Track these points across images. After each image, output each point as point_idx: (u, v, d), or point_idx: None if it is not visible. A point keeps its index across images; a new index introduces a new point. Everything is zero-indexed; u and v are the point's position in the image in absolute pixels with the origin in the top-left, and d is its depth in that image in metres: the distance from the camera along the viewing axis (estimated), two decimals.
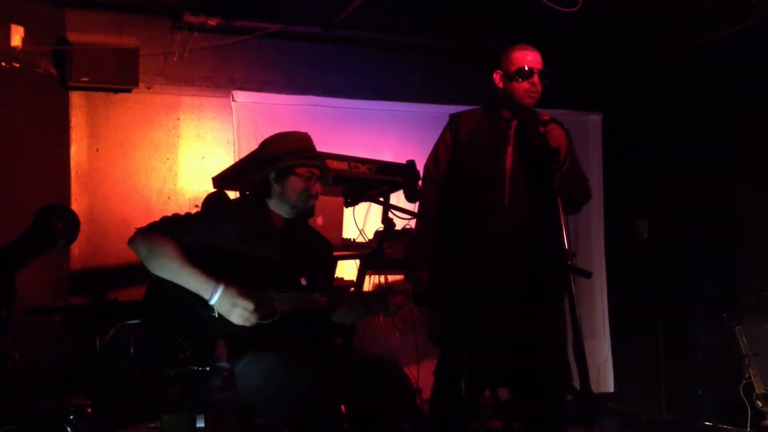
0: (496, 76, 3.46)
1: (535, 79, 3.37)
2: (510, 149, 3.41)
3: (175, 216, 2.91)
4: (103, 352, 3.59)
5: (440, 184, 3.53)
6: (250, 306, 2.74)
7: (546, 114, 3.29)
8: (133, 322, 3.50)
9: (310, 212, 3.11)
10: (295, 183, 3.01)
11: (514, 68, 3.38)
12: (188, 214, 2.96)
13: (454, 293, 3.25)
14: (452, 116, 3.61)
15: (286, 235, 3.04)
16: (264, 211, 3.04)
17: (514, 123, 3.44)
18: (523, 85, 3.38)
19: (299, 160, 3.01)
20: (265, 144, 3.11)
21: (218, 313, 2.75)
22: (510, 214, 3.35)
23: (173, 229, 2.83)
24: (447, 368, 3.41)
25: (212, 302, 2.73)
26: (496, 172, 3.39)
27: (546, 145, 3.19)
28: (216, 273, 2.76)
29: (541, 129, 3.23)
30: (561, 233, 2.98)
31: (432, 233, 3.48)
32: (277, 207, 3.06)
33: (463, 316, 3.22)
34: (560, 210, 3.06)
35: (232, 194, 3.39)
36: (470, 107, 3.66)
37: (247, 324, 2.74)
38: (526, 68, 3.36)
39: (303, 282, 2.98)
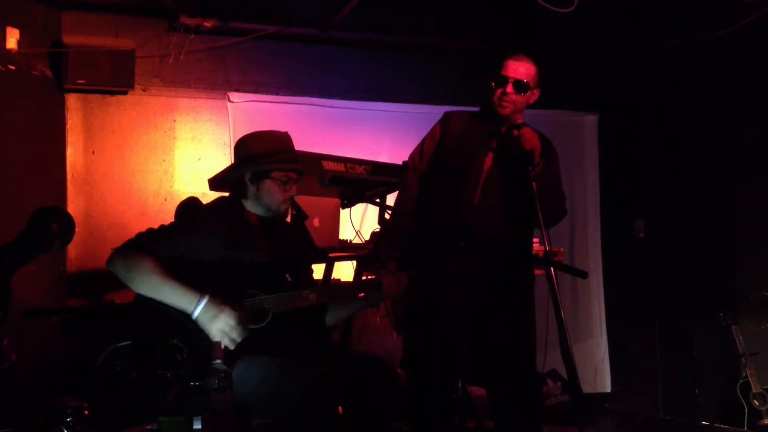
0: (490, 82, 3.48)
1: (509, 88, 3.37)
2: (491, 152, 3.44)
3: (150, 231, 2.87)
4: (98, 363, 3.59)
5: (421, 175, 3.56)
6: (232, 320, 2.70)
7: (519, 118, 3.37)
8: (123, 344, 3.48)
9: (284, 216, 3.06)
10: (270, 187, 2.95)
11: (496, 74, 3.42)
12: (162, 227, 2.90)
13: (423, 286, 3.26)
14: (446, 113, 3.64)
15: (265, 234, 3.00)
16: (240, 212, 2.99)
17: (503, 128, 3.46)
18: (496, 92, 3.41)
19: (276, 163, 2.95)
20: (242, 143, 3.05)
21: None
22: (478, 214, 3.37)
23: (149, 244, 2.79)
24: (416, 362, 3.43)
25: (195, 315, 2.69)
26: (474, 171, 3.42)
27: (520, 147, 3.23)
28: (199, 281, 2.73)
29: (515, 132, 3.28)
30: (531, 235, 3.03)
31: (407, 222, 3.51)
32: (253, 207, 3.01)
33: (429, 310, 3.26)
34: (539, 212, 3.09)
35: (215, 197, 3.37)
36: (467, 108, 3.68)
37: (226, 341, 2.68)
38: (501, 74, 3.39)
39: (288, 279, 2.96)
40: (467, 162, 3.44)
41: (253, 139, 3.04)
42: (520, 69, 3.40)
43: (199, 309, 2.68)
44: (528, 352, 3.41)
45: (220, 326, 2.69)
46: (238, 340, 2.72)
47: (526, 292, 3.42)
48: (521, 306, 3.42)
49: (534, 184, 3.19)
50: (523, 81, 3.38)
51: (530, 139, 3.25)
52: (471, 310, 3.30)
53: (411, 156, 3.65)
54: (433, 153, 3.56)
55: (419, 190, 3.55)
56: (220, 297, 2.72)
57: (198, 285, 2.73)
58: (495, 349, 3.35)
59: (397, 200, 3.64)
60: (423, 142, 3.63)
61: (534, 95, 3.46)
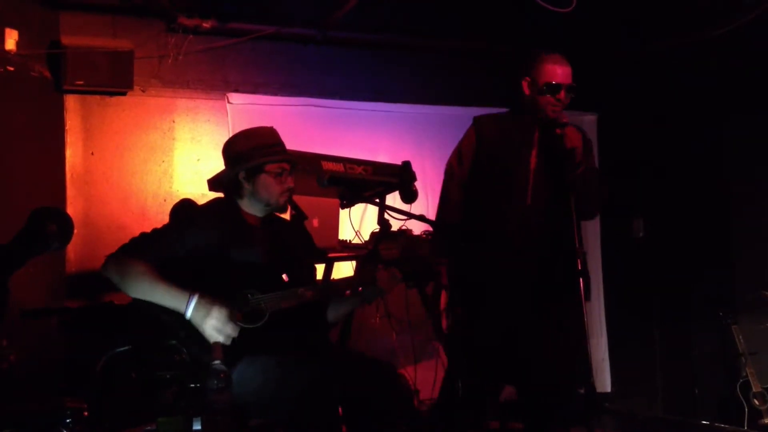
0: (524, 83, 3.50)
1: (562, 94, 3.42)
2: (534, 151, 3.49)
3: (143, 235, 2.87)
4: (98, 368, 3.58)
5: (463, 181, 3.59)
6: (223, 316, 2.69)
7: (564, 117, 3.40)
8: (122, 349, 3.48)
9: (284, 208, 3.06)
10: (265, 181, 2.96)
11: (542, 81, 3.43)
12: (155, 230, 2.90)
13: (475, 287, 3.31)
14: (476, 118, 3.67)
15: (262, 234, 3.00)
16: (236, 212, 3.00)
17: (537, 127, 3.51)
18: (548, 99, 3.43)
19: (268, 156, 2.96)
20: (230, 143, 3.06)
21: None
22: (531, 213, 3.43)
23: (142, 248, 2.79)
24: (465, 363, 3.45)
25: (188, 315, 2.68)
26: (521, 172, 3.46)
27: (562, 146, 3.28)
28: (194, 282, 2.73)
29: (558, 131, 3.32)
30: (574, 233, 3.06)
31: (454, 228, 3.54)
32: (250, 206, 3.01)
33: (482, 311, 3.30)
34: (573, 210, 3.13)
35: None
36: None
37: (221, 338, 2.68)
38: (554, 83, 3.41)
39: (284, 278, 2.96)
40: (512, 164, 3.47)
41: (240, 137, 3.05)
42: (567, 72, 3.44)
43: (190, 308, 2.68)
44: (573, 353, 3.41)
45: (212, 323, 2.68)
46: (233, 335, 2.71)
47: (578, 290, 3.40)
48: (570, 304, 3.40)
49: (572, 181, 3.22)
50: (573, 85, 3.44)
51: (572, 138, 3.31)
52: (520, 308, 3.36)
53: (449, 163, 3.67)
54: (473, 159, 3.58)
55: (463, 198, 3.59)
56: (211, 295, 2.72)
57: (193, 286, 2.73)
58: (540, 348, 3.38)
59: (440, 210, 3.65)
60: (459, 148, 3.65)
61: None
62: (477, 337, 3.43)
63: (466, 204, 3.58)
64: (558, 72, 3.43)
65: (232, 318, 2.71)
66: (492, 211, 3.48)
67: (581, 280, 3.09)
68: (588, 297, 3.45)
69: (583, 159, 3.36)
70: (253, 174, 2.96)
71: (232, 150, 3.03)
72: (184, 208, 3.21)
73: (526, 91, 3.50)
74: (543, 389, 3.42)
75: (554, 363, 3.39)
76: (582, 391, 3.17)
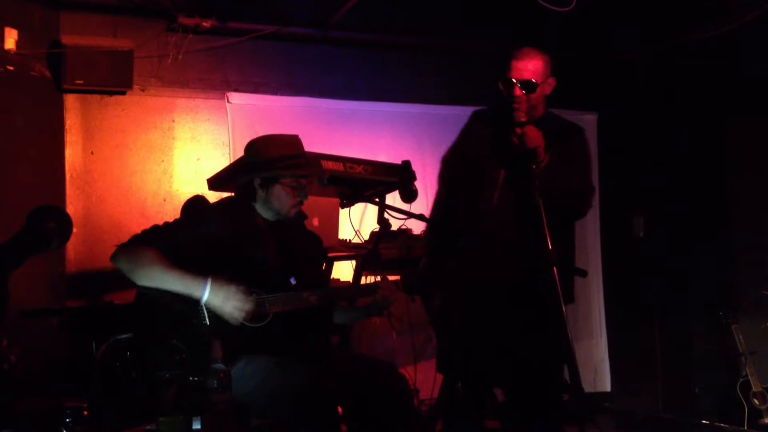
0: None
1: (516, 91, 3.31)
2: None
3: (155, 227, 2.88)
4: (98, 356, 3.59)
5: (449, 178, 3.58)
6: (242, 294, 2.72)
7: (522, 116, 3.29)
8: (124, 336, 3.48)
9: (293, 220, 3.08)
10: (279, 192, 2.98)
11: (503, 77, 3.36)
12: (167, 223, 2.92)
13: (446, 287, 3.28)
14: (474, 112, 3.63)
15: (272, 236, 3.01)
16: (249, 213, 3.01)
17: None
18: (505, 94, 3.36)
19: (287, 170, 2.97)
20: (252, 147, 3.07)
21: (209, 319, 2.73)
22: (500, 214, 3.37)
23: (154, 239, 2.80)
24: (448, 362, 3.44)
25: (204, 298, 2.69)
26: (492, 171, 3.40)
27: (523, 146, 3.20)
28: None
29: (518, 130, 3.23)
30: (545, 234, 3.01)
31: (439, 226, 3.53)
32: (262, 210, 3.03)
33: (455, 311, 3.27)
34: (542, 211, 3.07)
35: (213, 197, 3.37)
36: (472, 107, 3.69)
37: (242, 315, 2.70)
38: (507, 78, 3.33)
39: (292, 281, 2.97)
40: (484, 162, 3.43)
41: (264, 143, 3.06)
42: (524, 67, 3.33)
43: (206, 291, 2.69)
44: (551, 356, 3.33)
45: (232, 303, 2.71)
46: (253, 309, 2.74)
47: (552, 293, 3.38)
48: (547, 307, 3.38)
49: (536, 181, 3.17)
50: (529, 81, 3.32)
51: (533, 138, 3.19)
52: (492, 310, 3.32)
53: (442, 158, 3.64)
54: (459, 154, 3.56)
55: (448, 195, 3.57)
56: (224, 277, 2.73)
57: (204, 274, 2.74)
58: (516, 351, 3.33)
59: (431, 210, 3.66)
60: (453, 144, 3.63)
61: (549, 85, 3.42)
62: (464, 339, 3.39)
63: (452, 201, 3.54)
64: (513, 66, 3.33)
65: (248, 293, 2.73)
66: (470, 210, 3.42)
67: (557, 279, 3.01)
68: (570, 299, 3.42)
69: (546, 157, 3.24)
70: (269, 183, 2.98)
71: (253, 154, 3.05)
72: (197, 204, 3.22)
73: (499, 92, 3.43)
74: (525, 391, 3.39)
75: (534, 365, 3.35)
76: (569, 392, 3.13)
